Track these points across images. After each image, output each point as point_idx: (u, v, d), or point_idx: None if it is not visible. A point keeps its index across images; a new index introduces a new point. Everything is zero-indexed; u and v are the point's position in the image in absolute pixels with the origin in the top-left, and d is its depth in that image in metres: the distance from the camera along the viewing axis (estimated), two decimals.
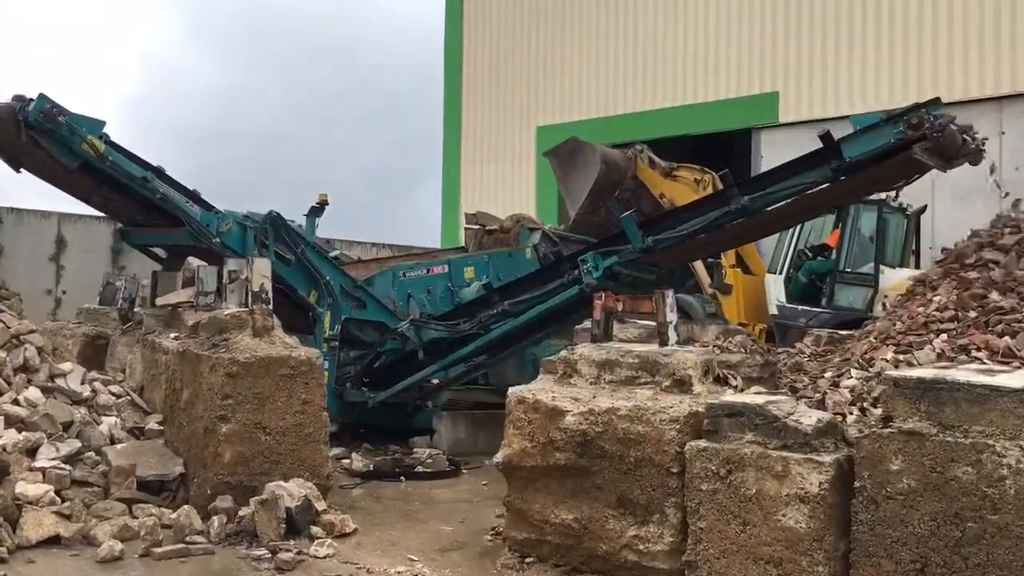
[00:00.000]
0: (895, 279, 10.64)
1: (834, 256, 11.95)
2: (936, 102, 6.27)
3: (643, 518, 4.88)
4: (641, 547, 4.85)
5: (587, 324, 6.59)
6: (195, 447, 6.43)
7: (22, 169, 8.37)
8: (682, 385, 5.06)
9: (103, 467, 6.31)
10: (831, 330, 8.42)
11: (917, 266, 11.32)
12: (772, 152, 13.64)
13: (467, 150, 18.19)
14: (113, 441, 6.65)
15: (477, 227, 12.84)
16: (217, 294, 7.56)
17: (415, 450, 8.78)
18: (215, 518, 5.78)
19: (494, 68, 17.77)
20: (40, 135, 7.47)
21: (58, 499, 5.74)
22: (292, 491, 5.89)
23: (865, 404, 4.82)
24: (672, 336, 5.35)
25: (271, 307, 6.93)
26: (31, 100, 7.42)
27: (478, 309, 8.97)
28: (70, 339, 9.20)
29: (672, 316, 5.35)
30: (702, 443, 4.63)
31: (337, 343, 9.23)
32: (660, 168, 13.20)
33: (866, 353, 5.80)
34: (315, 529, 5.82)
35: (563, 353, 5.62)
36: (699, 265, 12.34)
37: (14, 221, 19.75)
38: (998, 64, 12.28)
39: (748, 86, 14.18)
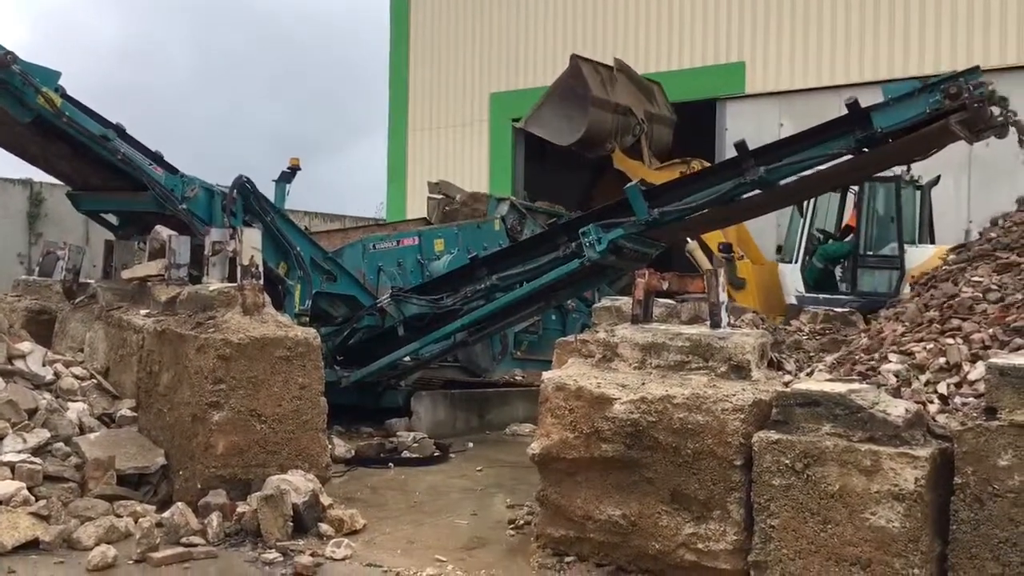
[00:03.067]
0: (921, 257, 10.17)
1: (847, 238, 11.51)
2: (975, 71, 6.02)
3: (701, 514, 4.53)
4: (700, 546, 4.51)
5: (606, 303, 6.20)
6: (180, 436, 5.83)
7: None
8: (740, 371, 4.71)
9: (75, 459, 5.67)
10: (825, 308, 8.25)
11: (932, 242, 10.99)
12: (737, 123, 13.43)
13: (414, 117, 17.52)
14: (83, 430, 6.00)
15: (440, 197, 12.33)
16: (191, 266, 6.92)
17: (398, 433, 8.28)
18: (212, 516, 5.22)
19: (444, 30, 17.11)
20: None
21: (32, 497, 5.09)
22: (298, 485, 5.37)
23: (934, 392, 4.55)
24: (725, 318, 5.00)
25: (262, 282, 6.33)
26: None
27: (462, 283, 8.48)
28: (11, 314, 8.37)
29: (724, 296, 5.00)
30: (773, 434, 4.29)
31: (308, 318, 8.63)
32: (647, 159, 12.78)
33: (903, 336, 5.55)
34: (323, 527, 5.32)
35: (600, 335, 5.21)
36: (703, 257, 11.84)
37: None
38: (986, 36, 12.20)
39: (714, 55, 13.91)
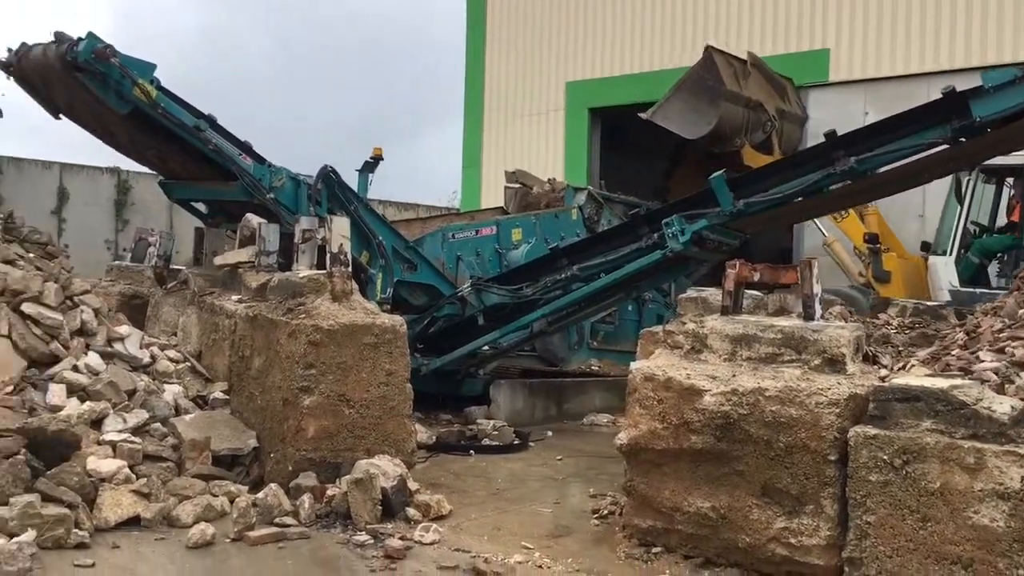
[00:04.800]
0: None
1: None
2: None
3: (794, 509, 4.47)
4: (792, 540, 4.45)
5: (691, 293, 6.14)
6: (271, 419, 5.97)
7: (61, 116, 7.84)
8: (834, 364, 4.63)
9: (172, 440, 5.85)
10: (915, 301, 8.04)
11: None
12: (820, 112, 13.13)
13: (490, 105, 17.55)
14: (179, 411, 6.18)
15: (517, 186, 12.34)
16: (279, 254, 7.07)
17: (478, 421, 8.34)
18: (304, 498, 5.34)
19: (522, 19, 17.08)
20: (89, 78, 6.89)
21: (133, 476, 5.27)
22: (387, 470, 5.45)
23: None
24: (818, 310, 4.92)
25: (350, 270, 6.44)
26: (78, 39, 6.81)
27: (542, 273, 8.50)
28: (106, 298, 8.65)
29: (818, 288, 4.92)
30: (871, 429, 4.21)
31: (389, 306, 8.74)
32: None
33: (1000, 333, 5.38)
34: (411, 511, 5.40)
35: (689, 326, 5.17)
36: (843, 251, 11.47)
37: (14, 172, 19.05)
38: None
39: (797, 42, 13.60)
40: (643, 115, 11.57)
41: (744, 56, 12.69)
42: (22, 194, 18.88)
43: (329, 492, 5.45)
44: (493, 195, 17.09)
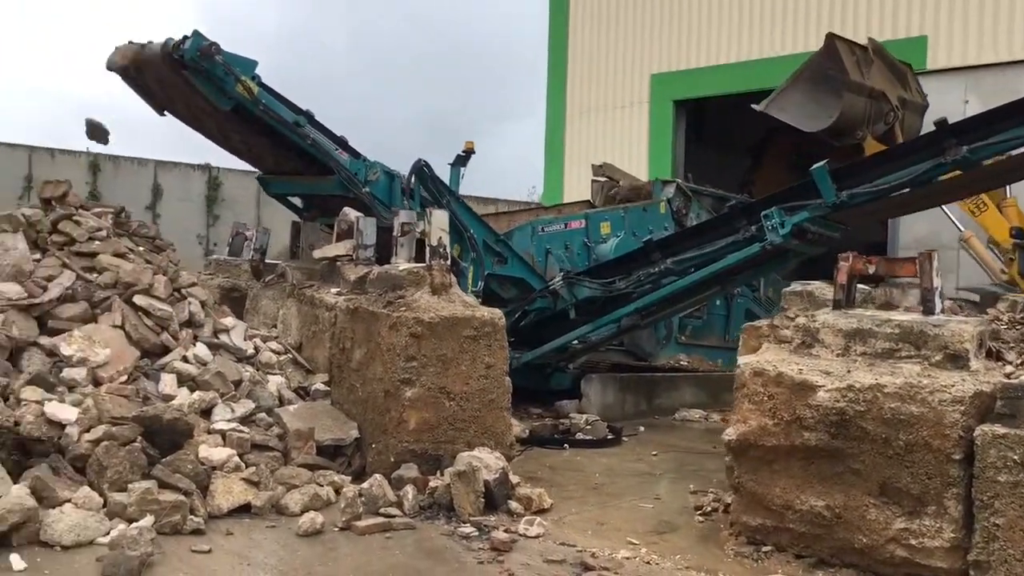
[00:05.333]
0: None
1: None
2: None
3: (914, 509, 4.33)
4: (913, 542, 4.31)
5: (796, 286, 5.98)
6: (372, 411, 6.04)
7: (165, 113, 8.05)
8: (956, 360, 4.46)
9: (277, 429, 5.96)
10: None
11: None
12: None
13: (572, 98, 17.45)
14: (282, 402, 6.29)
15: (604, 179, 12.26)
16: (376, 247, 7.14)
17: (571, 415, 8.30)
18: (408, 489, 5.38)
19: (605, 12, 16.94)
20: (194, 75, 7.05)
21: (242, 464, 5.38)
22: (489, 463, 5.46)
23: None
24: (938, 304, 4.75)
25: (449, 263, 6.47)
26: (184, 38, 6.98)
27: (634, 266, 8.41)
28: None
29: (938, 281, 4.75)
30: (999, 428, 4.05)
31: (480, 300, 8.76)
32: None
33: None
34: (513, 504, 5.40)
35: (799, 320, 5.05)
36: (980, 246, 10.96)
37: (111, 169, 19.71)
38: None
39: (893, 29, 13.16)
40: (757, 107, 11.02)
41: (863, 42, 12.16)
42: (119, 190, 19.52)
43: (431, 484, 5.48)
44: (575, 189, 17.01)
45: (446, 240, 6.45)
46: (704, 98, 15.87)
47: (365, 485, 5.33)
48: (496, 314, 6.13)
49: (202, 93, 7.23)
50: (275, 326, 7.60)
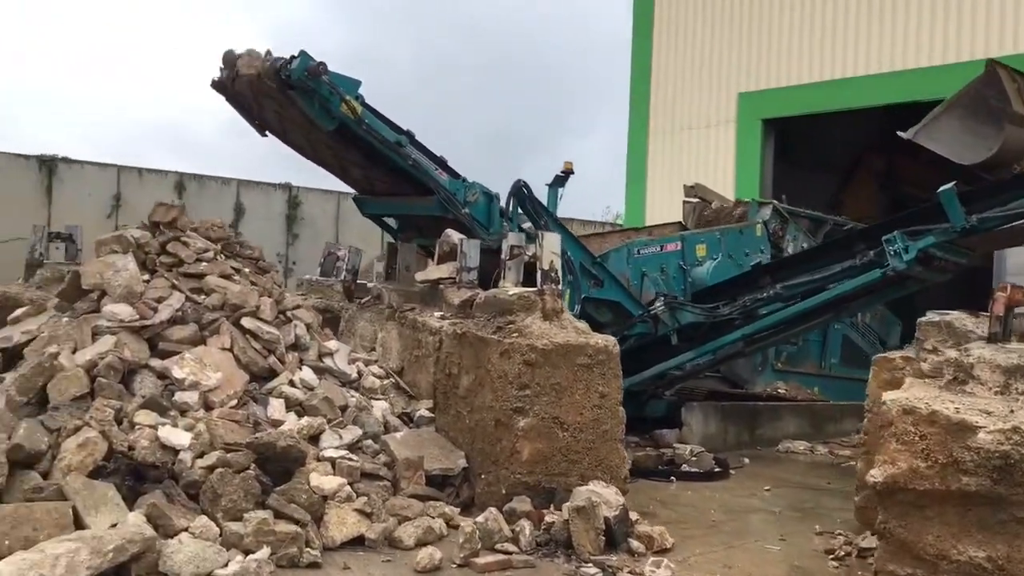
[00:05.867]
0: None
1: None
2: None
3: None
4: None
5: (934, 317, 5.62)
6: (481, 440, 5.84)
7: (267, 133, 8.03)
8: None
9: (384, 457, 5.80)
10: None
11: None
12: None
13: (656, 118, 17.18)
14: (387, 428, 6.14)
15: (696, 200, 11.96)
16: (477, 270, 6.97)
17: (674, 445, 8.00)
18: (524, 524, 5.16)
19: (690, 30, 16.67)
20: (300, 95, 6.99)
21: (353, 494, 5.23)
22: (609, 498, 5.21)
23: None
24: None
25: (560, 287, 6.26)
26: (292, 57, 6.93)
27: (740, 291, 8.11)
28: None
29: None
30: None
31: None
32: None
33: None
34: (634, 543, 5.14)
35: (950, 353, 4.71)
36: None
37: (196, 188, 19.96)
38: None
39: (1013, 42, 12.57)
40: (904, 134, 10.36)
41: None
42: (203, 209, 19.75)
43: (547, 519, 5.25)
44: (659, 210, 16.71)
45: (558, 264, 6.25)
46: (794, 117, 15.44)
47: (480, 519, 5.11)
48: (610, 341, 5.90)
49: (306, 113, 7.18)
50: (373, 349, 7.47)
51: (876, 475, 4.59)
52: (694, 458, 7.61)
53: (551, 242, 6.34)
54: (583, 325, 6.09)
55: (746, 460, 8.16)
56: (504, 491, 5.56)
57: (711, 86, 16.38)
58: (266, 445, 5.08)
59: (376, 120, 7.36)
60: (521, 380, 5.61)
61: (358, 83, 7.26)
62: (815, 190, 15.75)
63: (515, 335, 5.76)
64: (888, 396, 4.68)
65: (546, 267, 6.19)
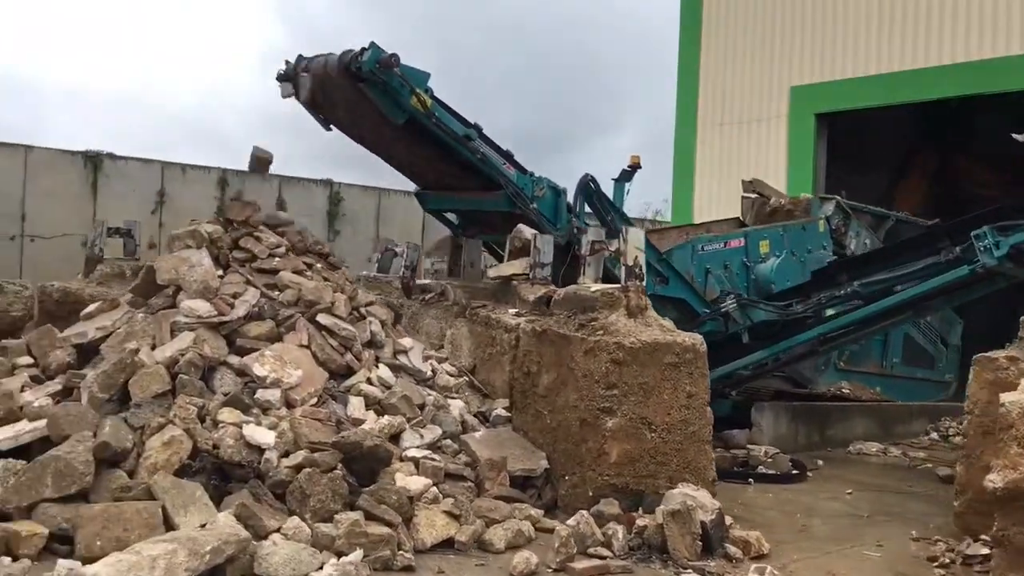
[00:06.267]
0: None
1: None
2: None
3: None
4: None
5: None
6: (564, 440, 5.69)
7: (332, 128, 7.92)
8: None
9: (465, 457, 5.67)
10: None
11: None
12: None
13: (704, 113, 16.92)
14: (464, 427, 6.00)
15: (755, 196, 11.72)
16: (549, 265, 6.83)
17: (748, 447, 7.81)
18: (617, 528, 5.01)
19: (740, 24, 16.39)
20: (370, 87, 6.86)
21: (439, 495, 5.10)
22: (704, 502, 5.05)
23: None
24: None
25: (644, 284, 6.10)
26: (363, 49, 6.80)
27: (814, 288, 7.90)
28: None
29: None
30: None
31: None
32: None
33: None
34: (730, 548, 4.97)
35: None
36: None
37: (238, 183, 19.90)
38: None
39: None
40: (1019, 136, 9.98)
41: None
42: None
43: (639, 522, 5.09)
44: (707, 206, 16.49)
45: (642, 259, 6.09)
46: (849, 111, 15.14)
47: (571, 522, 4.97)
48: (697, 339, 5.72)
49: (375, 106, 7.05)
50: (441, 347, 7.34)
51: (995, 480, 4.39)
52: (769, 460, 7.43)
53: (635, 238, 6.19)
54: (668, 323, 5.92)
55: (820, 462, 7.96)
56: (591, 493, 5.41)
57: (762, 80, 16.10)
58: (353, 445, 4.96)
59: (445, 113, 7.23)
60: (608, 379, 5.45)
61: (427, 75, 7.12)
62: (866, 187, 15.45)
63: (600, 333, 5.60)
64: (1007, 398, 4.47)
65: (630, 263, 6.02)
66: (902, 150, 17.70)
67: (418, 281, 8.65)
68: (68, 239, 17.97)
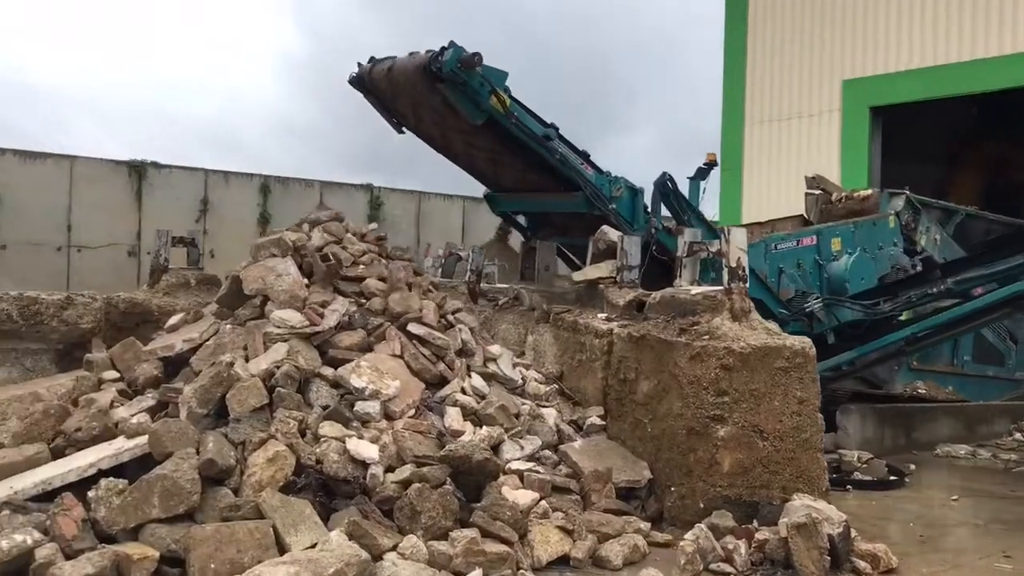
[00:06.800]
0: None
1: None
2: None
3: None
4: None
5: None
6: (668, 450, 5.47)
7: (404, 130, 7.77)
8: None
9: (565, 468, 5.47)
10: None
11: None
12: None
13: (752, 108, 16.64)
14: (560, 438, 5.80)
15: (819, 192, 11.44)
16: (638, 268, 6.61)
17: (839, 451, 7.56)
18: (739, 543, 4.78)
19: (787, 13, 16.10)
20: (450, 88, 6.69)
21: (549, 509, 4.90)
22: (830, 514, 4.82)
23: None
24: None
25: (748, 286, 5.88)
26: (443, 49, 6.63)
27: (902, 287, 7.64)
28: None
29: None
30: None
31: None
32: None
33: None
34: (859, 563, 4.73)
35: None
36: None
37: (280, 189, 19.89)
38: None
39: None
40: None
41: None
42: (287, 211, 19.71)
43: (758, 536, 4.86)
44: (756, 203, 16.22)
45: (744, 261, 5.86)
46: (905, 104, 14.82)
47: (690, 536, 4.75)
48: (806, 343, 5.48)
49: (452, 106, 6.88)
50: (522, 353, 7.15)
51: None
52: (864, 465, 7.17)
53: (738, 238, 5.95)
54: (773, 326, 5.70)
55: (912, 466, 7.69)
56: (702, 505, 5.19)
57: (812, 73, 15.82)
58: (462, 458, 4.78)
59: (524, 113, 7.05)
60: (719, 386, 5.23)
61: (505, 74, 6.94)
62: (919, 181, 15.09)
63: (706, 338, 5.38)
64: None
65: (733, 264, 5.80)
66: (955, 142, 17.34)
67: (486, 285, 8.50)
68: (113, 249, 18.02)
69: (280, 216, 19.52)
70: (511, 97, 6.97)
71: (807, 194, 11.57)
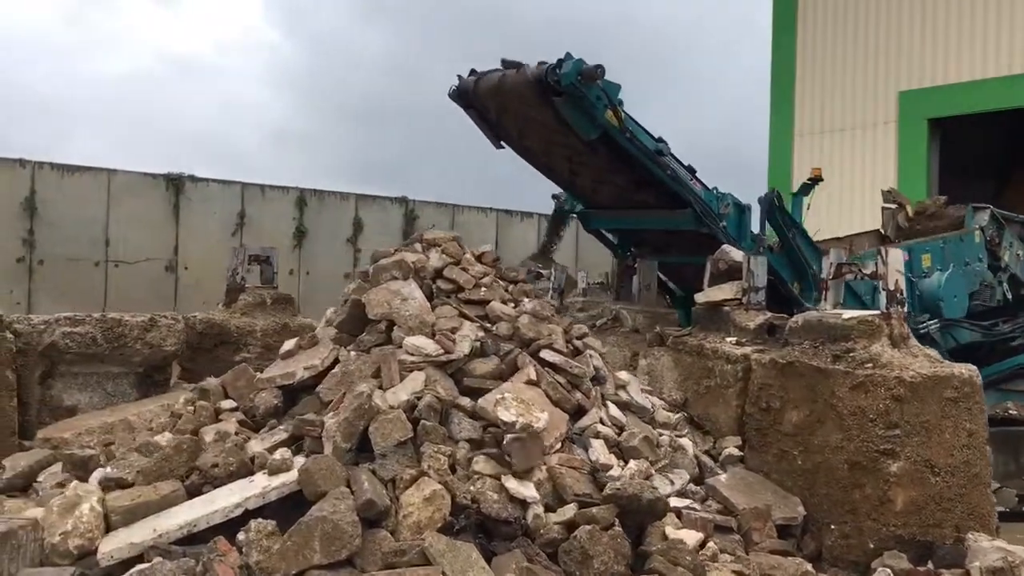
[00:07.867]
0: None
1: None
2: None
3: None
4: None
5: None
6: (825, 485, 5.16)
7: (503, 145, 7.49)
8: None
9: (714, 504, 5.15)
10: None
11: None
12: None
13: (801, 120, 16.38)
14: (701, 470, 5.49)
15: (895, 206, 11.16)
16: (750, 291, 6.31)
17: None
18: None
19: (839, 21, 15.84)
20: (566, 101, 6.40)
21: (717, 551, 4.59)
22: (1021, 556, 4.50)
23: None
24: None
25: (906, 310, 5.58)
26: (559, 61, 6.34)
27: (1021, 308, 7.34)
28: None
29: None
30: None
31: None
32: None
33: None
34: None
35: None
36: None
37: (316, 203, 19.60)
38: None
39: None
40: None
41: None
42: (323, 224, 19.46)
43: None
44: (810, 218, 15.89)
45: (903, 283, 5.56)
46: (964, 116, 14.56)
47: None
48: (973, 371, 5.18)
49: (563, 120, 6.60)
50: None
51: None
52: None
53: (895, 259, 5.66)
54: (933, 352, 5.39)
55: (1015, 493, 7.37)
56: (872, 545, 4.88)
57: (866, 84, 15.56)
58: (630, 498, 4.47)
59: (638, 127, 6.76)
60: (889, 418, 4.92)
61: (618, 87, 6.65)
62: (973, 195, 14.83)
63: (869, 365, 5.07)
64: None
65: (891, 286, 5.49)
66: (1007, 155, 17.10)
67: (577, 303, 8.22)
68: (151, 264, 17.70)
69: (316, 230, 19.25)
70: (624, 112, 6.69)
71: (883, 208, 11.30)
